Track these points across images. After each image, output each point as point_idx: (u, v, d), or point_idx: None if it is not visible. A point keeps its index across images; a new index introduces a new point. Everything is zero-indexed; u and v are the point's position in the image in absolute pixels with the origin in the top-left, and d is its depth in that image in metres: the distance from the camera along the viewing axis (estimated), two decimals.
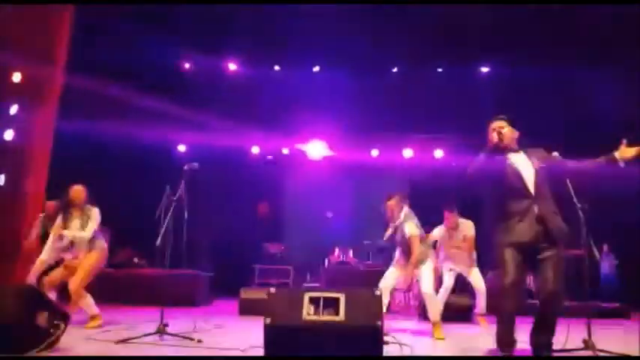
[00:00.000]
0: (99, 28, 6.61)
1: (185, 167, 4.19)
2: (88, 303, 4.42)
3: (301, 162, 9.33)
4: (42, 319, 3.15)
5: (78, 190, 4.58)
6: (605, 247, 8.18)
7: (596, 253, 3.86)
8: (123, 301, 6.30)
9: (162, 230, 4.00)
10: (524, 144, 3.28)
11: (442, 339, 4.20)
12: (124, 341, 3.52)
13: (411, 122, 8.29)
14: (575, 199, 3.64)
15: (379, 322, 2.75)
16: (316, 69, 8.66)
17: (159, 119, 7.23)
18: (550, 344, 2.99)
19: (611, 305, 6.53)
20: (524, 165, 3.10)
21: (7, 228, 5.97)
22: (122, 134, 6.64)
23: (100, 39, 6.73)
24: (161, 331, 3.75)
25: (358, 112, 8.07)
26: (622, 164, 3.00)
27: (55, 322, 3.24)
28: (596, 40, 6.92)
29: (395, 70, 8.62)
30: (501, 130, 3.16)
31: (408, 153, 9.06)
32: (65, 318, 3.34)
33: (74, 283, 4.29)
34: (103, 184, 5.72)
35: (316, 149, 9.11)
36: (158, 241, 3.96)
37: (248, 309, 5.63)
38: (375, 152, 9.22)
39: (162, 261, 4.86)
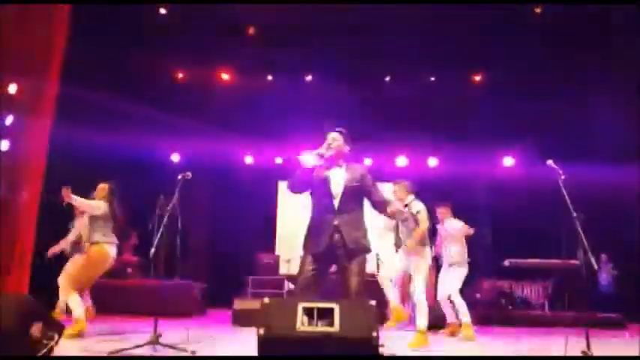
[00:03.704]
0: (94, 38, 6.62)
1: (179, 177, 4.17)
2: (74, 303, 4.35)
3: (294, 171, 9.30)
4: (36, 329, 3.10)
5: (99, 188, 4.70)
6: (604, 257, 8.16)
7: (594, 264, 3.83)
8: (116, 311, 6.23)
9: (156, 240, 3.96)
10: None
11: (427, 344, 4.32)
12: (116, 352, 3.47)
13: (404, 130, 8.30)
14: (571, 209, 3.63)
15: (375, 333, 2.71)
16: (308, 78, 8.67)
17: (152, 129, 7.23)
18: None
19: (610, 315, 6.49)
20: (338, 180, 3.22)
21: (1, 238, 5.91)
22: (115, 144, 6.63)
23: (95, 49, 6.73)
24: (154, 342, 3.70)
25: (351, 120, 8.05)
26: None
27: (49, 333, 3.20)
28: (594, 47, 6.96)
29: (388, 79, 8.64)
30: (331, 143, 3.31)
31: (401, 161, 9.05)
32: (59, 329, 3.30)
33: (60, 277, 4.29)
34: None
35: (309, 158, 9.08)
36: (151, 252, 3.92)
37: (241, 319, 5.59)
38: (368, 161, 9.22)
39: (155, 271, 4.82)
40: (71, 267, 4.48)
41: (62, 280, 4.56)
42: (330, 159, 3.26)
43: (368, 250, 3.21)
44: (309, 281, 3.16)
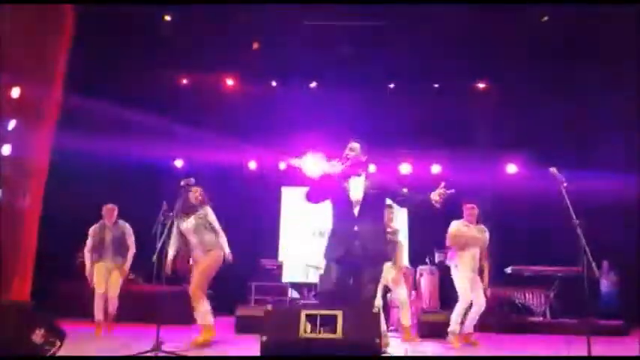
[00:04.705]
0: (98, 44, 6.66)
1: (181, 182, 4.19)
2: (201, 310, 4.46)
3: (297, 177, 9.32)
4: (38, 335, 3.11)
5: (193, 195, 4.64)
6: (605, 264, 8.13)
7: (596, 270, 3.82)
8: (118, 318, 6.21)
9: (159, 246, 3.97)
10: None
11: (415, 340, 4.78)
12: (126, 358, 3.47)
13: (407, 137, 8.32)
14: (573, 216, 3.64)
15: (377, 340, 2.71)
16: (313, 85, 8.70)
17: (155, 135, 7.25)
18: None
19: (612, 323, 6.46)
20: (357, 188, 3.31)
21: (3, 244, 5.92)
22: (118, 150, 6.65)
23: (99, 55, 6.77)
24: (157, 349, 3.69)
25: (354, 127, 8.09)
26: (437, 205, 3.13)
27: (51, 339, 3.21)
28: (594, 53, 6.97)
29: (392, 86, 8.68)
30: (351, 153, 3.40)
31: (405, 168, 9.06)
32: (61, 335, 3.31)
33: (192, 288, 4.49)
34: (99, 199, 5.72)
35: (312, 164, 9.11)
36: (154, 257, 3.93)
37: (244, 326, 5.57)
38: (372, 168, 9.22)
39: (158, 277, 4.83)
40: (198, 276, 4.51)
41: (196, 291, 4.50)
42: (348, 168, 3.35)
43: (387, 257, 3.35)
44: (335, 287, 3.29)
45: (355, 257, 3.21)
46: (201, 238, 4.55)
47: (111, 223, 5.42)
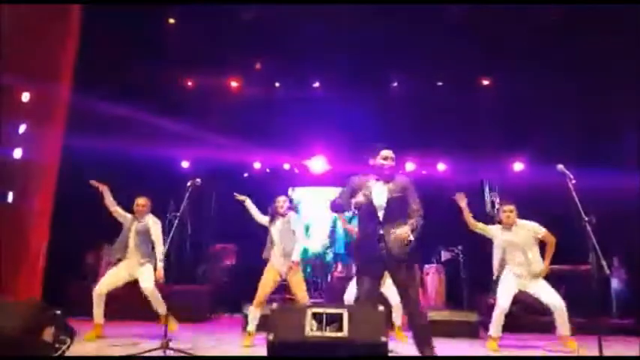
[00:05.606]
0: (105, 47, 6.72)
1: (188, 183, 4.22)
2: None
3: (303, 177, 9.34)
4: (48, 334, 3.15)
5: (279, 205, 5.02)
6: (616, 261, 8.03)
7: (606, 268, 3.78)
8: (126, 316, 6.26)
9: (166, 245, 4.00)
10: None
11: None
12: (127, 358, 3.50)
13: (412, 136, 8.29)
14: (582, 213, 3.60)
15: (384, 338, 2.71)
16: (316, 85, 8.70)
17: (162, 136, 7.29)
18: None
19: (623, 321, 6.38)
20: (381, 193, 3.45)
21: (14, 244, 5.99)
22: (126, 151, 6.70)
23: (106, 58, 6.83)
24: (165, 346, 3.72)
25: (358, 126, 8.08)
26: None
27: (61, 337, 3.24)
28: (604, 53, 6.90)
29: (395, 84, 8.65)
30: (387, 162, 3.52)
31: (410, 166, 9.03)
32: (71, 333, 3.34)
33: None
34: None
35: (318, 164, 9.12)
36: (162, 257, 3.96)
37: None
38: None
39: (165, 276, 4.86)
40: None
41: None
42: (384, 173, 3.50)
43: (414, 259, 3.46)
44: (368, 287, 3.38)
45: (383, 259, 3.34)
46: (283, 242, 4.83)
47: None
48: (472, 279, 7.10)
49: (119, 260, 5.03)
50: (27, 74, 6.02)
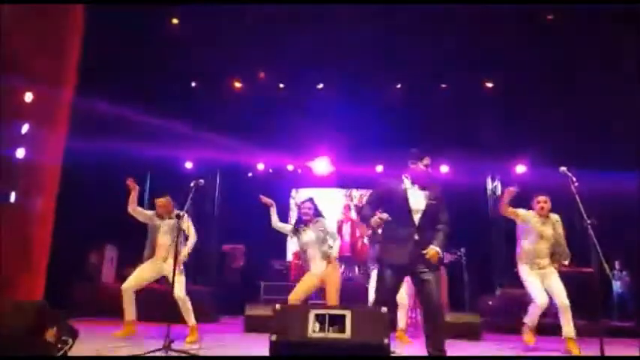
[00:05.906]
0: (109, 47, 6.73)
1: (191, 184, 4.23)
2: None
3: (307, 178, 9.35)
4: (50, 334, 3.15)
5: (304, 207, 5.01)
6: (618, 264, 8.03)
7: (608, 271, 3.78)
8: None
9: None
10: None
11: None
12: (128, 358, 3.50)
13: (415, 137, 8.29)
14: (585, 216, 3.60)
15: (386, 340, 2.71)
16: (320, 86, 8.72)
17: (166, 136, 7.31)
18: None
19: (625, 324, 6.38)
20: (419, 198, 3.46)
21: (17, 244, 6.00)
22: (130, 152, 6.72)
23: (110, 57, 6.84)
24: (167, 347, 3.73)
25: (362, 127, 8.10)
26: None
27: (63, 337, 3.24)
28: (607, 54, 6.90)
29: (399, 86, 8.66)
30: (428, 168, 3.55)
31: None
32: (73, 334, 3.35)
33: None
34: (111, 200, 5.78)
35: (321, 165, 9.14)
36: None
37: (253, 326, 5.59)
38: (379, 168, 9.21)
39: (168, 277, 4.87)
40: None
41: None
42: (424, 179, 3.51)
43: (443, 263, 3.50)
44: (391, 290, 3.40)
45: (414, 264, 3.33)
46: (320, 248, 4.79)
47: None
48: (474, 281, 7.11)
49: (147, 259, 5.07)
50: (30, 74, 6.03)
